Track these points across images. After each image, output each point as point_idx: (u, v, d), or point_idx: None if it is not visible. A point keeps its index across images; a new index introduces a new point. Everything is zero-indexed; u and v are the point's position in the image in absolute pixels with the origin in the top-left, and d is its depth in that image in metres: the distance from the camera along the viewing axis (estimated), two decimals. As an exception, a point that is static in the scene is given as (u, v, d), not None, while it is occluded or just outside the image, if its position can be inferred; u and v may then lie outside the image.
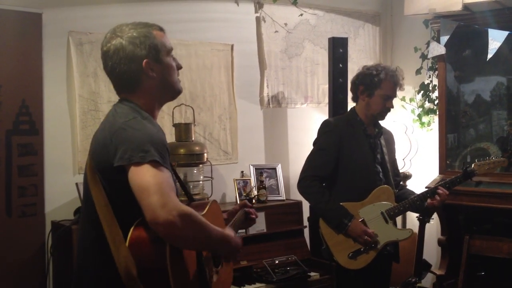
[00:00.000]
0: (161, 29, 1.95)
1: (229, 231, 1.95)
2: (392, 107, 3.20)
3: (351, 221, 3.01)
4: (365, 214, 3.07)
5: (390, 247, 3.14)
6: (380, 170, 3.19)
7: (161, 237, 1.67)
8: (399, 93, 4.79)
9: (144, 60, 1.85)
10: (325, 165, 3.13)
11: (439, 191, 3.06)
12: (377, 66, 3.21)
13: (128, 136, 1.75)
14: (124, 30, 1.88)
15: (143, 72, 1.87)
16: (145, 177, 1.67)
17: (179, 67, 2.00)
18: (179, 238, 1.67)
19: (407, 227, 4.53)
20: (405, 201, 3.12)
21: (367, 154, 3.16)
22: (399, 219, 3.86)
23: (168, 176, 1.72)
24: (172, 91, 1.98)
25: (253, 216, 2.40)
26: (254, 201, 2.61)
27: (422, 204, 3.12)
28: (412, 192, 3.25)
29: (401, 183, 3.43)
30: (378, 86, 3.13)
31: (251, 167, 4.14)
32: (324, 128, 3.23)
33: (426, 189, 3.22)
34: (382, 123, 3.31)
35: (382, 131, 3.27)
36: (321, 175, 3.12)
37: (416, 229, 3.58)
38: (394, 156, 3.38)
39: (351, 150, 3.13)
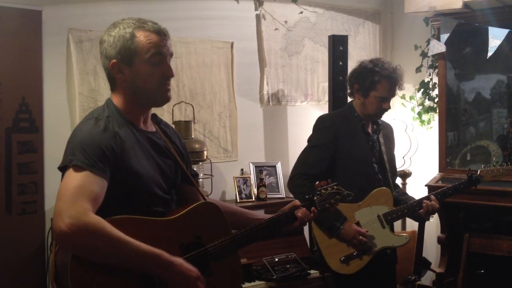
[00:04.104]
0: (157, 32, 1.83)
1: (175, 258, 1.72)
2: (389, 108, 3.02)
3: (344, 224, 2.81)
4: (361, 216, 2.88)
5: (389, 250, 2.97)
6: (378, 170, 3.02)
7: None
8: (399, 91, 4.83)
9: (112, 61, 1.83)
10: (318, 164, 2.91)
11: (432, 202, 2.89)
12: (374, 65, 2.96)
13: (71, 138, 1.80)
14: (116, 26, 1.85)
15: (112, 72, 1.84)
16: (64, 182, 1.69)
17: (166, 76, 1.85)
18: (74, 248, 1.62)
19: (407, 225, 4.54)
20: (404, 205, 2.95)
21: (366, 151, 2.98)
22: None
23: (87, 181, 1.66)
24: (146, 99, 1.87)
25: (300, 216, 2.06)
26: (327, 205, 2.13)
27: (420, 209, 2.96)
28: (411, 198, 3.07)
29: (397, 183, 3.23)
30: (373, 88, 2.94)
31: (251, 165, 4.15)
32: (319, 125, 3.04)
33: (426, 186, 3.18)
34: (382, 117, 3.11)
35: (381, 127, 3.10)
36: (313, 174, 2.86)
37: (416, 227, 3.57)
38: (393, 153, 3.20)
39: (349, 148, 2.94)
